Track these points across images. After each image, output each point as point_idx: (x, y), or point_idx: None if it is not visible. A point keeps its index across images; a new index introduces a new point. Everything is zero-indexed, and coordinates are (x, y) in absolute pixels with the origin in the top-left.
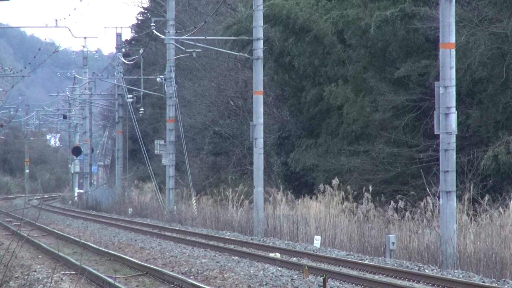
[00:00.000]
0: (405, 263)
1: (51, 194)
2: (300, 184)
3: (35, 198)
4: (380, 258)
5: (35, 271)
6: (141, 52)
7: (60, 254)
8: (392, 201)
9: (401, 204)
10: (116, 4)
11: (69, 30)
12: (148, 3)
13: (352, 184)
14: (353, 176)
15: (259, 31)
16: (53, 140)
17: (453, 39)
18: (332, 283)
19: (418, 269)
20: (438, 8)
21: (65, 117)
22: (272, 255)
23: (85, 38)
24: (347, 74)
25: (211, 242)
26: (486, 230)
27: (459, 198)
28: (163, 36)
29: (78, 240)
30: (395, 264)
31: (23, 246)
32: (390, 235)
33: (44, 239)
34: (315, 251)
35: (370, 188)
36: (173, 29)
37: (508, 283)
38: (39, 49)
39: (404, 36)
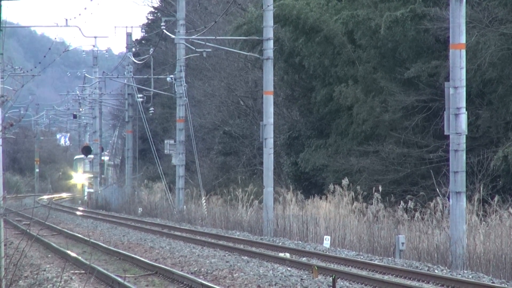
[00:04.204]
0: (414, 263)
1: (60, 195)
2: (310, 184)
3: (46, 197)
4: (389, 258)
5: (44, 270)
6: (151, 52)
7: (70, 253)
8: (401, 202)
9: (410, 204)
10: (127, 4)
11: (79, 30)
12: (159, 3)
13: (362, 184)
14: (362, 177)
15: (269, 31)
16: (63, 140)
17: (463, 40)
18: (342, 283)
19: (428, 270)
20: (448, 8)
21: (75, 116)
22: (281, 255)
23: (95, 37)
24: (357, 75)
25: (221, 242)
26: (496, 231)
27: (469, 198)
28: (173, 36)
29: (88, 239)
30: (405, 265)
31: (33, 246)
32: (399, 236)
33: (53, 238)
34: (324, 251)
35: (380, 188)
36: (183, 29)
37: None
38: (49, 49)
39: (414, 37)
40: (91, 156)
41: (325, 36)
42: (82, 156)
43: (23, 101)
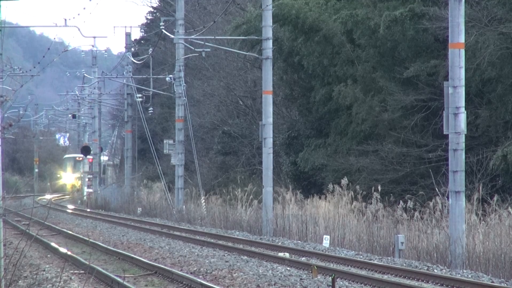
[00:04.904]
0: (414, 263)
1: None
2: (309, 184)
3: (49, 197)
4: (389, 258)
5: (44, 270)
6: (150, 52)
7: (69, 253)
8: (401, 201)
9: (410, 204)
10: (126, 4)
11: (79, 30)
12: (158, 3)
13: (361, 184)
14: (362, 176)
15: (268, 31)
16: (62, 140)
17: (462, 39)
18: (341, 282)
19: (427, 269)
20: (447, 8)
21: (74, 116)
22: (281, 254)
23: (94, 37)
24: (356, 74)
25: (220, 242)
26: (495, 230)
27: (468, 198)
28: (172, 36)
29: (87, 239)
30: (404, 264)
31: (32, 246)
32: (399, 235)
33: (53, 238)
34: (324, 250)
35: (379, 188)
36: (182, 29)
37: None
38: (48, 49)
39: (413, 36)
40: (90, 156)
41: (324, 36)
42: (72, 155)
43: (22, 101)
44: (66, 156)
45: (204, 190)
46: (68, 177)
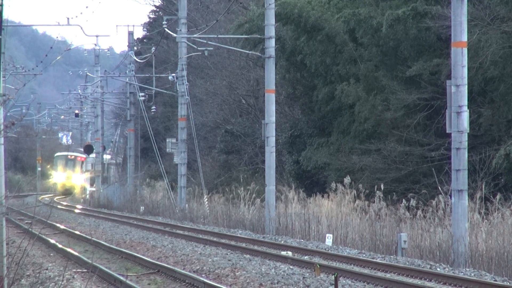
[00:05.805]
0: (416, 261)
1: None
2: (312, 183)
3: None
4: (391, 256)
5: (46, 269)
6: (153, 51)
7: (72, 252)
8: (403, 200)
9: (412, 202)
10: (128, 3)
11: (81, 28)
12: (160, 2)
13: (364, 182)
14: (364, 175)
15: (271, 30)
16: (65, 138)
17: (465, 38)
18: (344, 281)
19: (430, 268)
20: (450, 7)
21: (76, 115)
22: (283, 253)
23: (97, 36)
24: (359, 73)
25: (223, 240)
26: (498, 228)
27: (471, 196)
28: (175, 35)
29: (90, 238)
30: (407, 263)
31: (35, 244)
32: (401, 234)
33: (55, 237)
34: (326, 249)
35: (382, 186)
36: (185, 28)
37: None
38: (51, 48)
39: (416, 35)
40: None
41: (326, 35)
42: (63, 153)
43: (25, 100)
44: (57, 154)
45: (206, 188)
46: (59, 176)
